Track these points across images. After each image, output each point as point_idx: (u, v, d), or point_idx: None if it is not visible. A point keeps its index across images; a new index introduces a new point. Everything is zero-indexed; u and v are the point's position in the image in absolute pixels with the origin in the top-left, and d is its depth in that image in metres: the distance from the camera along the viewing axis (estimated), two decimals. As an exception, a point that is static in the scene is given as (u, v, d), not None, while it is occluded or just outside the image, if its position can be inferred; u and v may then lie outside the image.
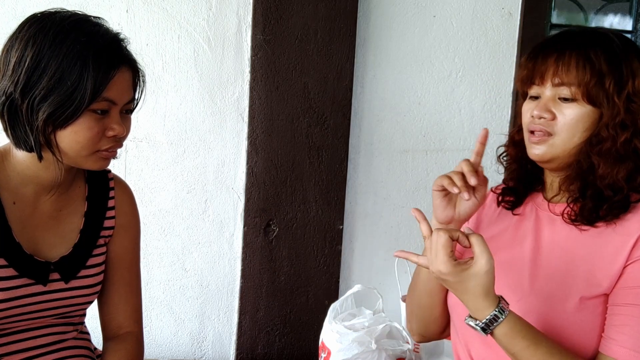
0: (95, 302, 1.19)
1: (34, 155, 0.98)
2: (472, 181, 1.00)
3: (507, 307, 0.91)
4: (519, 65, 1.06)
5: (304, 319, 1.92)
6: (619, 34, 1.01)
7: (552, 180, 1.07)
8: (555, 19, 2.13)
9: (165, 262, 1.89)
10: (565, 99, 0.98)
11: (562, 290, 0.97)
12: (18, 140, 0.97)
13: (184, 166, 1.86)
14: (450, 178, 1.02)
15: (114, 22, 1.76)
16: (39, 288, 1.02)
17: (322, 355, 1.59)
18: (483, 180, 1.06)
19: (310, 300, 1.92)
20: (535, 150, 1.01)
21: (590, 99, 0.96)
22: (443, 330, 1.21)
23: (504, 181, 1.17)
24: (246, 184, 1.85)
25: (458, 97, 1.98)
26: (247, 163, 1.84)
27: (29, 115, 0.94)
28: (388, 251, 2.00)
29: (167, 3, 1.79)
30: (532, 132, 1.02)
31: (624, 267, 0.93)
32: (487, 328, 0.90)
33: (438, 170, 1.97)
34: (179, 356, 1.93)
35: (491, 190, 1.21)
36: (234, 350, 1.93)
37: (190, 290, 1.91)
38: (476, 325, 0.91)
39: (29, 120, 0.94)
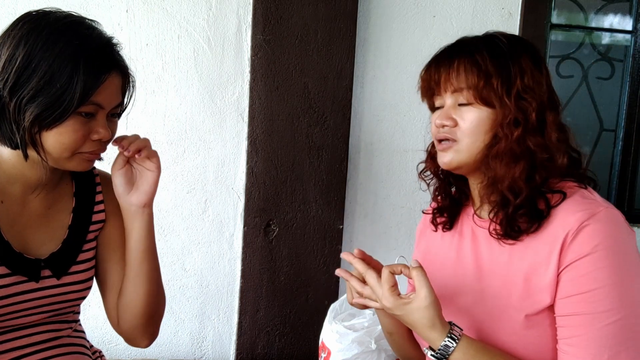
0: (93, 300, 1.19)
1: (19, 153, 0.98)
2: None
3: (459, 333, 0.91)
4: (419, 78, 1.10)
5: (304, 319, 1.92)
6: (509, 35, 1.03)
7: (474, 190, 1.07)
8: (555, 19, 2.14)
9: (165, 262, 1.89)
10: (463, 104, 0.99)
11: (507, 310, 0.96)
12: (3, 137, 0.97)
13: (184, 166, 1.86)
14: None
15: (114, 22, 1.76)
16: (31, 285, 1.02)
17: (322, 355, 1.59)
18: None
19: (310, 300, 1.92)
20: (443, 158, 1.02)
21: (483, 101, 0.97)
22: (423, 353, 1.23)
23: (433, 198, 1.17)
24: (246, 184, 1.85)
25: (458, 97, 1.98)
26: (247, 163, 1.84)
27: (16, 114, 0.93)
28: (388, 251, 2.00)
29: (167, 3, 1.79)
30: (439, 142, 1.03)
31: (558, 275, 0.91)
32: (443, 357, 0.91)
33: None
34: (179, 356, 1.93)
35: (423, 212, 1.23)
36: (234, 350, 1.93)
37: (190, 290, 1.91)
38: (432, 355, 0.92)
39: (15, 119, 0.94)
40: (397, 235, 2.02)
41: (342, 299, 1.66)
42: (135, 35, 1.78)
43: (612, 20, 2.21)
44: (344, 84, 1.85)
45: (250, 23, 1.81)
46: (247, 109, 1.84)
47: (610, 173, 2.26)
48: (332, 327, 1.57)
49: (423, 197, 2.00)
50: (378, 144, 1.97)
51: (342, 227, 1.92)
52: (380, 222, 2.01)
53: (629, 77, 2.20)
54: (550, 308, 0.93)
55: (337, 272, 1.03)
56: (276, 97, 1.82)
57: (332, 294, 1.90)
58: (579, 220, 0.90)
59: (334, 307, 1.64)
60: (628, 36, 2.20)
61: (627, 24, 2.21)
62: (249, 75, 1.83)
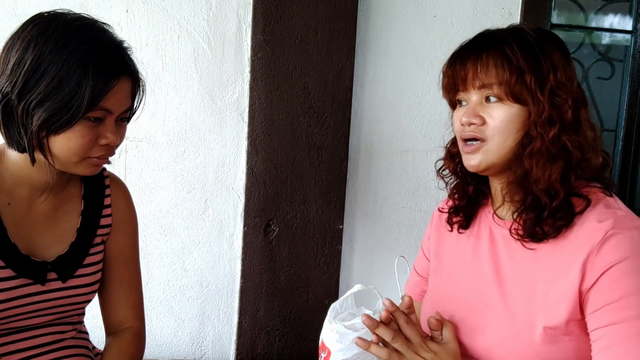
0: (97, 300, 1.19)
1: (27, 156, 0.97)
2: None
3: None
4: (441, 74, 1.03)
5: (304, 319, 1.92)
6: (535, 27, 0.97)
7: (496, 188, 1.02)
8: (555, 19, 2.13)
9: (165, 262, 1.89)
10: (491, 100, 0.93)
11: (527, 320, 0.92)
12: (11, 140, 0.97)
13: (184, 166, 1.86)
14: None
15: (114, 22, 1.76)
16: (37, 288, 1.02)
17: (322, 355, 1.59)
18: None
19: (310, 300, 1.92)
20: (471, 161, 0.97)
21: (515, 97, 0.92)
22: None
23: (449, 196, 1.12)
24: (246, 184, 1.85)
25: (458, 97, 1.98)
26: (247, 163, 1.84)
27: (24, 118, 0.93)
28: (388, 251, 2.00)
29: (167, 3, 1.79)
30: (465, 142, 0.97)
31: (581, 289, 0.87)
32: None
33: (438, 170, 1.97)
34: (179, 356, 1.93)
35: (439, 209, 1.18)
36: (234, 350, 1.93)
37: (190, 290, 1.91)
38: None
39: (23, 122, 0.93)
40: (397, 235, 2.02)
41: (342, 299, 1.66)
42: (135, 35, 1.78)
43: (612, 20, 2.21)
44: (344, 84, 1.85)
45: (250, 23, 1.81)
46: (247, 109, 1.84)
47: (610, 173, 2.26)
48: (332, 326, 1.56)
49: (423, 197, 2.00)
50: (378, 144, 1.97)
51: (342, 227, 1.91)
52: (380, 222, 2.01)
53: (629, 77, 2.20)
54: (570, 324, 0.88)
55: (357, 343, 1.02)
56: (276, 97, 1.82)
57: (332, 294, 1.90)
58: (603, 230, 0.86)
59: (334, 307, 1.63)
60: (628, 36, 2.20)
61: (627, 24, 2.21)
62: (249, 75, 1.83)
